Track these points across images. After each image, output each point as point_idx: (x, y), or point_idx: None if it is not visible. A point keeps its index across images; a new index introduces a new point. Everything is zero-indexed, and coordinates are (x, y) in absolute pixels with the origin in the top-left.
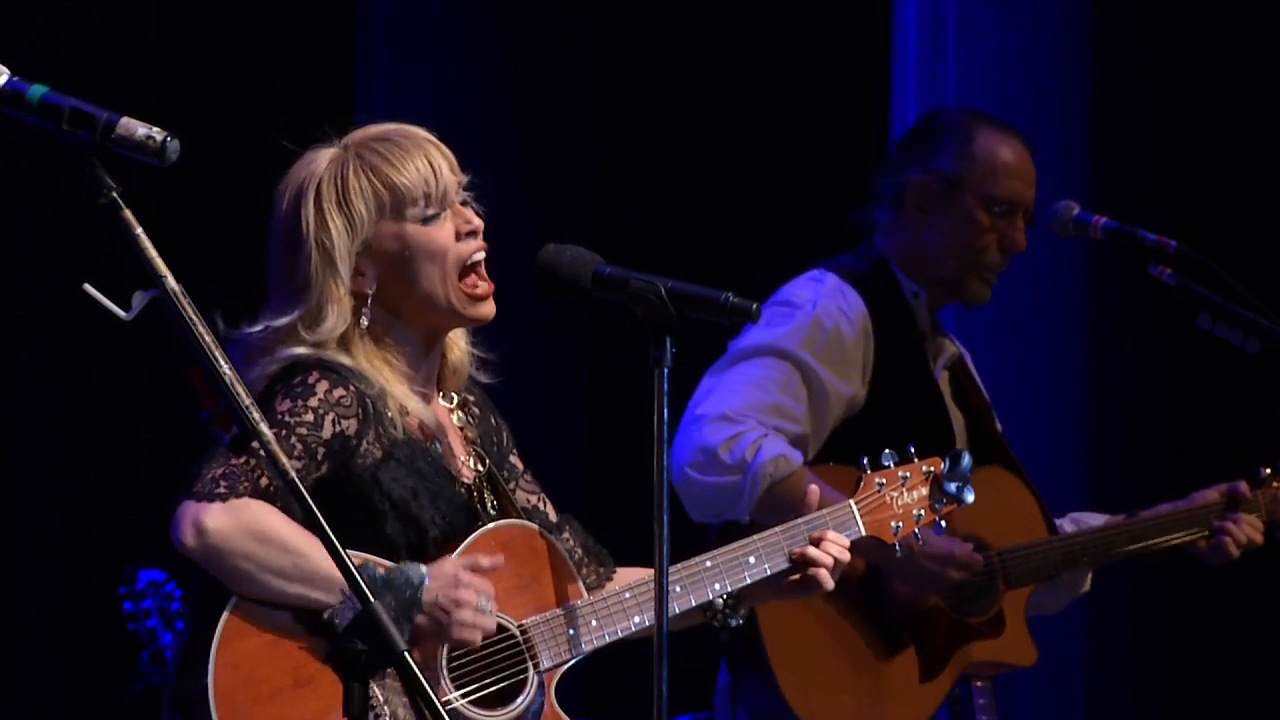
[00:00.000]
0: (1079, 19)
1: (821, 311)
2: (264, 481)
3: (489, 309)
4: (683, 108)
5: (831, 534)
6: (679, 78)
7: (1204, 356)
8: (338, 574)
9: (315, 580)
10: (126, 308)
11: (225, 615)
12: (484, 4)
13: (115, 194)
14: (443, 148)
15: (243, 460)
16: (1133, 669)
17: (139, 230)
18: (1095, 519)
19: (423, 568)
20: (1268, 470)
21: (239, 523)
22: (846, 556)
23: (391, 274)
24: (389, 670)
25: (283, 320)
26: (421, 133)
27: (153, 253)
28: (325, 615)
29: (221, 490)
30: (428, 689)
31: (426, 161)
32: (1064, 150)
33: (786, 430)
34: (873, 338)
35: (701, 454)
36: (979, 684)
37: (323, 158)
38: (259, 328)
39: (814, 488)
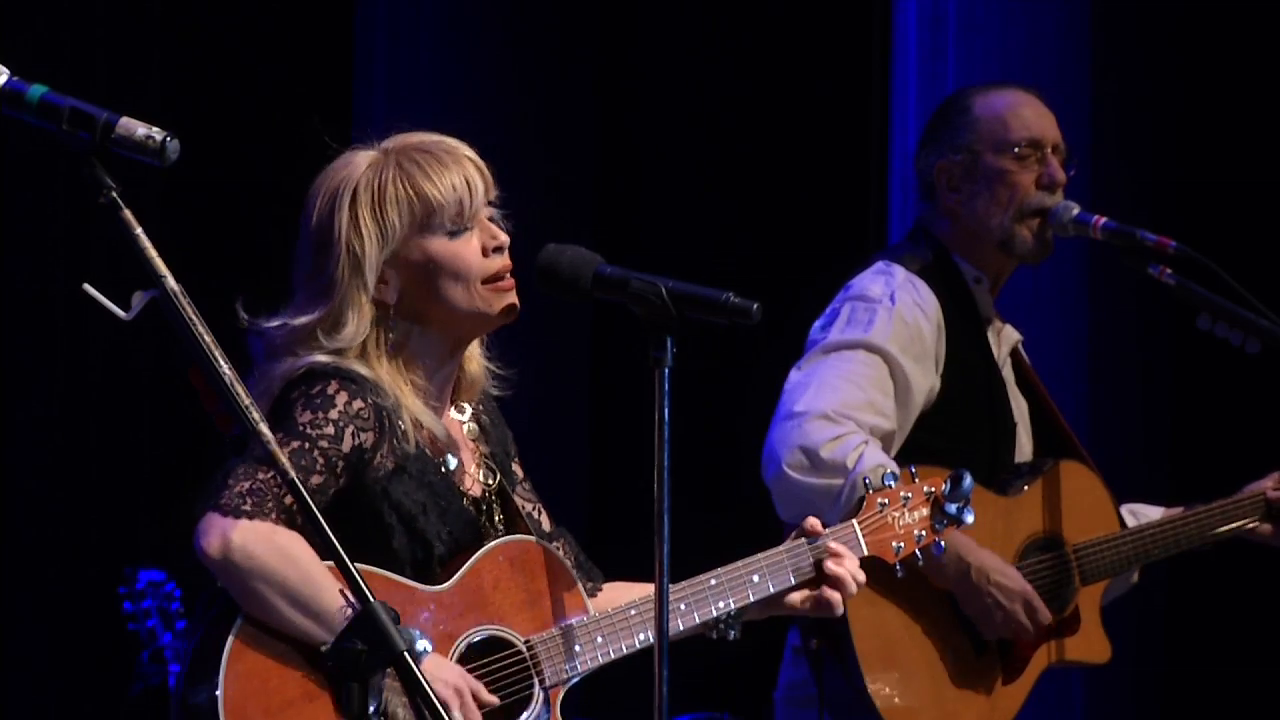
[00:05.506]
0: (1079, 19)
1: (901, 306)
2: (288, 500)
3: (513, 300)
4: (683, 108)
5: (849, 552)
6: (679, 78)
7: (1204, 356)
8: (343, 617)
9: (322, 618)
10: (126, 308)
11: (238, 625)
12: (484, 4)
13: (115, 194)
14: (481, 165)
15: (270, 476)
16: (1132, 669)
17: (139, 230)
18: (1153, 511)
19: (428, 644)
20: None
21: (267, 546)
22: (861, 577)
23: (414, 285)
24: (388, 670)
25: (302, 320)
26: (463, 149)
27: (152, 253)
28: (323, 650)
29: (248, 508)
30: (428, 689)
31: (463, 178)
32: None
33: (880, 427)
34: (944, 330)
35: (803, 454)
36: None
37: (361, 160)
38: (277, 323)
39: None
